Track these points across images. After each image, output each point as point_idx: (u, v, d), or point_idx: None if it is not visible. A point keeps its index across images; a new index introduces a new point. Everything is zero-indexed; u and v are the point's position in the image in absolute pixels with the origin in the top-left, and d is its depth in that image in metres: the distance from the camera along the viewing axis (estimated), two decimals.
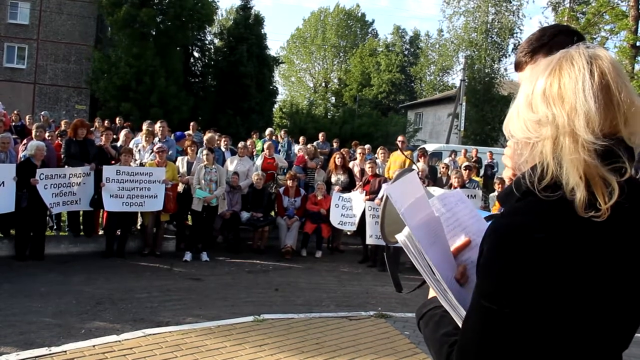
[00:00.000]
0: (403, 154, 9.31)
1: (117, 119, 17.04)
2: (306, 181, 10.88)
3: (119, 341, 4.74)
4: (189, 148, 9.49)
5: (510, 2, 34.44)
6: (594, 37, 23.07)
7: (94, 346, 4.58)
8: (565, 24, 19.51)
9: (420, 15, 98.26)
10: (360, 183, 9.77)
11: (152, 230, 8.93)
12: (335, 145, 14.32)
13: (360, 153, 11.24)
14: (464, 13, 35.39)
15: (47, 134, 9.61)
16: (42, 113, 16.51)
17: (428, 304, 1.31)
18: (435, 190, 8.55)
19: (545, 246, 0.99)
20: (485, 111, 32.17)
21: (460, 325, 1.15)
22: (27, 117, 15.37)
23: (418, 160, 10.58)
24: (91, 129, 9.91)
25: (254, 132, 17.03)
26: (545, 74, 1.07)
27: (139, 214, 9.19)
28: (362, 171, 10.23)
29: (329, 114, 43.92)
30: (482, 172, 15.80)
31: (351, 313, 6.21)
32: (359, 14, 54.83)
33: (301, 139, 14.83)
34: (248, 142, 11.38)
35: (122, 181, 8.42)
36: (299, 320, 5.74)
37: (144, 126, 10.13)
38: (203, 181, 8.61)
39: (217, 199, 8.73)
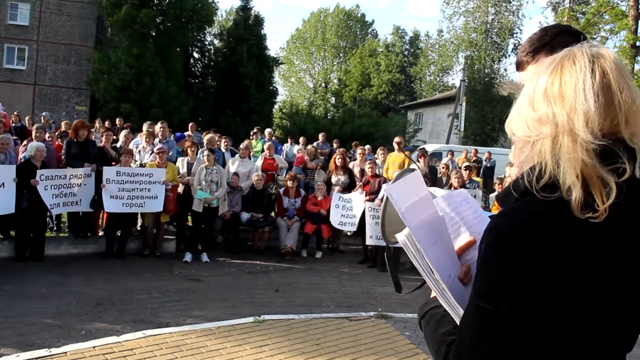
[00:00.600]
0: (403, 152, 9.30)
1: (117, 119, 17.05)
2: (306, 182, 10.88)
3: (119, 342, 4.73)
4: (189, 149, 9.49)
5: (510, 3, 34.48)
6: (594, 37, 23.05)
7: (94, 347, 4.58)
8: (565, 24, 19.53)
9: (420, 15, 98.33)
10: (360, 184, 9.77)
11: (152, 231, 8.92)
12: (335, 145, 14.32)
13: (360, 153, 11.24)
14: (464, 13, 35.42)
15: (47, 135, 9.61)
16: (43, 114, 16.53)
17: (430, 303, 1.32)
18: (436, 191, 8.55)
19: (542, 247, 0.98)
20: (485, 111, 32.17)
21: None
22: (27, 118, 15.37)
23: (418, 161, 10.58)
24: (92, 130, 9.91)
25: (254, 133, 17.03)
26: (548, 72, 1.07)
27: (139, 215, 9.18)
28: (362, 172, 10.23)
29: (328, 114, 43.94)
30: (481, 171, 15.80)
31: (351, 314, 6.21)
32: (359, 15, 54.88)
33: (301, 139, 14.83)
34: (246, 142, 11.35)
35: (122, 182, 8.41)
36: (299, 321, 5.73)
37: (144, 127, 10.12)
38: (204, 182, 8.61)
39: (217, 199, 8.72)
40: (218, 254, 9.05)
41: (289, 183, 9.81)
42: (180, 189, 9.02)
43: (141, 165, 9.14)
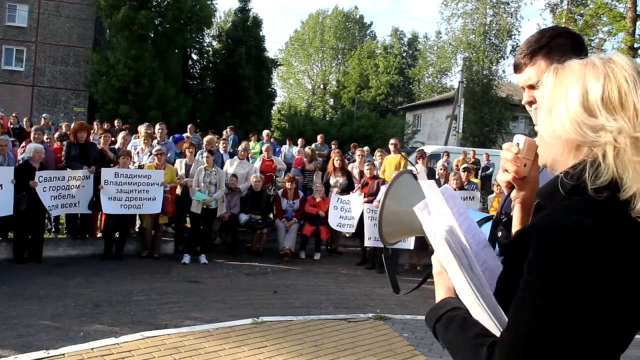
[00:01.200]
0: (400, 154, 9.31)
1: (116, 121, 17.03)
2: (304, 183, 10.88)
3: (118, 344, 4.73)
4: (187, 150, 9.49)
5: (508, 4, 34.48)
6: (592, 38, 23.11)
7: (92, 349, 4.58)
8: (563, 25, 19.56)
9: (418, 17, 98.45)
10: (359, 185, 9.77)
11: (151, 232, 8.92)
12: (333, 147, 14.32)
13: (359, 155, 11.24)
14: (462, 15, 35.41)
15: (45, 137, 9.61)
16: (43, 115, 16.49)
17: (443, 306, 1.26)
18: None
19: (608, 244, 1.02)
20: (484, 113, 32.16)
21: (492, 326, 1.14)
22: (25, 119, 15.35)
23: (417, 162, 10.59)
24: (91, 132, 9.90)
25: (252, 134, 17.05)
26: (600, 78, 1.10)
27: (138, 217, 9.17)
28: (361, 173, 10.23)
29: (327, 116, 43.93)
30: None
31: (350, 315, 6.21)
32: (357, 16, 54.96)
33: (299, 141, 14.84)
34: (243, 144, 11.36)
35: (121, 184, 8.41)
36: (298, 323, 5.73)
37: (142, 129, 10.11)
38: (202, 184, 8.60)
39: (216, 201, 8.72)
40: (216, 256, 9.04)
41: (288, 184, 9.81)
42: (179, 190, 9.02)
43: (139, 167, 9.14)
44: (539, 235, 1.07)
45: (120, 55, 27.52)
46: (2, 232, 8.31)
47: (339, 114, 39.55)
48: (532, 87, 1.79)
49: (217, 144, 10.88)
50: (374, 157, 11.59)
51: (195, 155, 9.49)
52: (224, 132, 14.48)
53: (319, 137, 15.33)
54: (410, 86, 50.55)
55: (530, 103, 1.82)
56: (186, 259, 8.60)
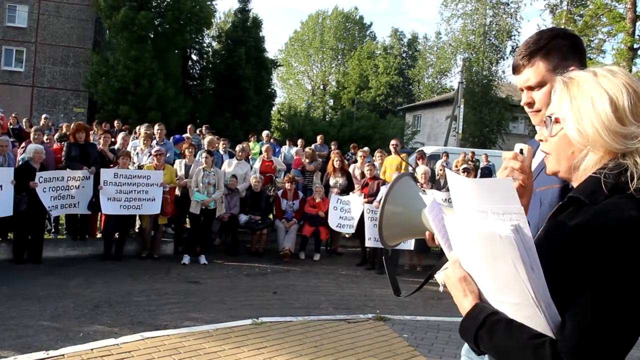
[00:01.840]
0: (399, 156, 9.31)
1: (116, 121, 17.01)
2: (304, 184, 10.88)
3: (117, 344, 4.73)
4: (186, 151, 9.49)
5: (508, 5, 34.49)
6: (592, 39, 23.11)
7: (92, 349, 4.57)
8: (562, 26, 19.56)
9: (418, 18, 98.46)
10: (359, 186, 9.77)
11: (150, 233, 8.92)
12: (333, 147, 14.32)
13: (361, 156, 11.23)
14: (462, 16, 35.41)
15: (45, 137, 9.61)
16: (44, 116, 16.48)
17: (479, 312, 1.24)
18: (434, 193, 8.56)
19: None
20: (484, 113, 32.16)
21: (543, 326, 1.15)
22: (25, 120, 15.33)
23: (417, 163, 10.59)
24: (91, 132, 9.90)
25: (252, 134, 17.03)
26: (623, 90, 1.22)
27: (137, 217, 9.18)
28: (362, 174, 10.23)
29: (327, 116, 43.93)
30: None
31: (349, 316, 6.21)
32: (357, 17, 54.94)
33: (299, 141, 14.84)
34: (244, 145, 11.35)
35: (120, 184, 8.41)
36: (298, 323, 5.73)
37: (142, 129, 10.11)
38: (201, 184, 8.60)
39: (215, 201, 8.72)
40: (216, 256, 9.04)
41: (287, 185, 9.81)
42: (178, 191, 9.02)
43: (139, 168, 9.14)
44: (599, 233, 1.13)
45: (120, 56, 27.51)
46: (2, 232, 8.31)
47: (339, 114, 39.53)
48: (530, 88, 1.80)
49: (216, 145, 10.87)
50: (374, 158, 11.59)
51: (195, 155, 9.48)
52: (198, 131, 14.05)
53: (318, 138, 15.32)
54: (410, 87, 50.53)
55: (529, 104, 1.82)
56: (186, 259, 8.60)
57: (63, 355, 4.42)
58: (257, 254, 9.47)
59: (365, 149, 13.40)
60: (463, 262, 1.27)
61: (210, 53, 35.62)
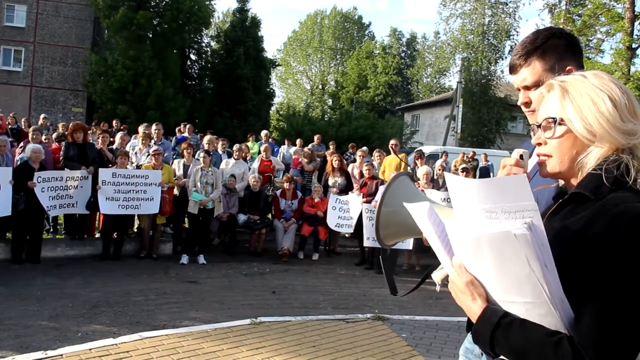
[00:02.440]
0: (397, 156, 9.31)
1: (114, 121, 17.00)
2: (303, 184, 10.88)
3: (116, 344, 4.73)
4: (185, 150, 9.48)
5: (507, 5, 34.51)
6: (590, 39, 23.11)
7: (90, 349, 4.57)
8: (561, 26, 19.58)
9: (417, 17, 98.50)
10: (358, 185, 9.77)
11: (149, 233, 8.91)
12: (331, 147, 14.32)
13: (360, 155, 11.23)
14: (461, 15, 35.43)
15: (43, 137, 9.59)
16: (42, 115, 16.48)
17: (492, 315, 1.23)
18: (432, 193, 8.56)
19: None
20: (482, 113, 32.19)
21: (557, 323, 1.15)
22: (23, 120, 15.33)
23: (415, 163, 10.59)
24: (89, 132, 9.89)
25: (250, 134, 17.04)
26: (617, 89, 1.28)
27: (136, 217, 9.17)
28: (361, 173, 10.23)
29: (325, 116, 43.93)
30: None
31: (348, 315, 6.21)
32: (356, 17, 54.95)
33: (298, 141, 14.84)
34: (242, 145, 11.34)
35: (118, 184, 8.40)
36: (296, 323, 5.73)
37: (140, 129, 10.10)
38: (199, 184, 8.60)
39: (213, 201, 8.72)
40: (215, 256, 9.04)
41: (286, 185, 9.81)
42: (176, 190, 9.01)
43: (137, 167, 9.14)
44: (611, 227, 1.15)
45: (118, 56, 27.51)
46: (0, 232, 8.30)
47: (338, 114, 39.59)
48: (527, 88, 1.80)
49: (215, 144, 10.87)
50: (372, 158, 11.60)
51: (193, 155, 9.48)
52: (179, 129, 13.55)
53: (315, 138, 15.33)
54: (409, 86, 50.58)
55: (526, 104, 1.82)
56: (184, 259, 8.59)
57: (61, 355, 4.42)
58: (256, 254, 9.47)
59: (364, 148, 13.39)
60: (468, 265, 1.24)
61: (209, 53, 35.64)
